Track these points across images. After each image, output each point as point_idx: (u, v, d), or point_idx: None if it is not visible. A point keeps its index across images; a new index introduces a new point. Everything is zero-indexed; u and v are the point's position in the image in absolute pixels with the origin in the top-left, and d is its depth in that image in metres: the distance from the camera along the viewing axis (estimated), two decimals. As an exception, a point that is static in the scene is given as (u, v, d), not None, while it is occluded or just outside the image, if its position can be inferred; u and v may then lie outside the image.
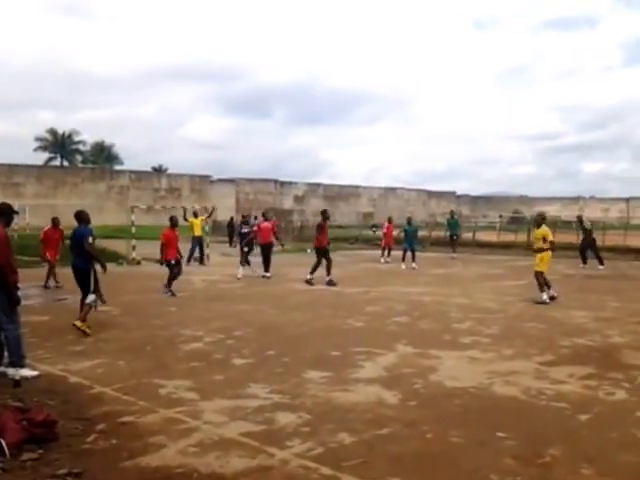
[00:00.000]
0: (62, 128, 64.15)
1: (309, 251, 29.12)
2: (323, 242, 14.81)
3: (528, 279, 14.43)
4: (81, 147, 66.28)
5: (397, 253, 20.89)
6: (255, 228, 17.26)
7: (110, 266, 19.33)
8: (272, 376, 6.33)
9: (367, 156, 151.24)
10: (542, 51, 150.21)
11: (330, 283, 14.22)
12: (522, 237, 29.09)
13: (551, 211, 71.61)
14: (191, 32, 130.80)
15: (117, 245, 21.77)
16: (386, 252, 22.18)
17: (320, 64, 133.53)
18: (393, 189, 71.86)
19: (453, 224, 24.36)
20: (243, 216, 20.52)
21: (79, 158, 66.00)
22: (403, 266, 19.11)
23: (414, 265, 19.11)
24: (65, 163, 63.33)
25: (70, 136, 64.42)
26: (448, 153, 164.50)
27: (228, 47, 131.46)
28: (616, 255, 23.69)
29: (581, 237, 20.88)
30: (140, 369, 6.63)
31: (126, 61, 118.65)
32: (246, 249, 16.51)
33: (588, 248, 19.65)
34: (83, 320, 8.40)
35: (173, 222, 13.40)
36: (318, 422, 4.93)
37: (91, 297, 8.54)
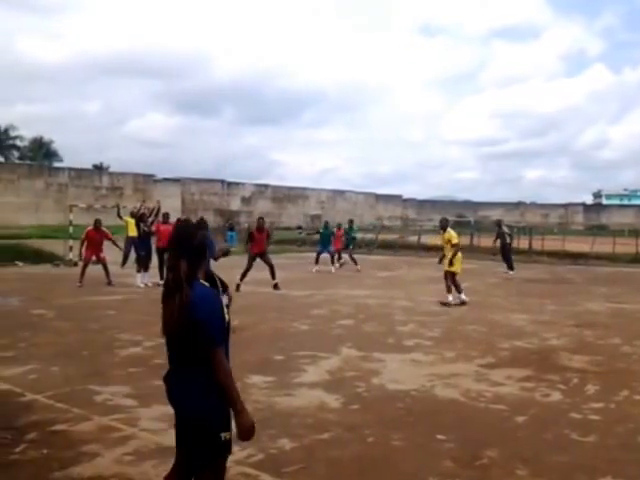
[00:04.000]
0: (-2, 122, 61.92)
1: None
2: (254, 249, 14.26)
3: (471, 282, 14.77)
4: (18, 143, 63.91)
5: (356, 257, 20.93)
6: (154, 229, 15.27)
7: (46, 267, 18.69)
8: (213, 381, 6.20)
9: (316, 158, 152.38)
10: (487, 59, 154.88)
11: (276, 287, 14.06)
12: (465, 240, 29.73)
13: (494, 216, 73.74)
14: (139, 27, 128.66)
15: (54, 245, 20.99)
16: (336, 256, 22.25)
17: (270, 64, 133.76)
18: (342, 192, 72.13)
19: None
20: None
21: (16, 154, 63.59)
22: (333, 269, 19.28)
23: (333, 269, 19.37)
24: (0, 159, 60.88)
25: (6, 131, 62.03)
26: (396, 157, 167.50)
27: (177, 43, 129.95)
28: (555, 260, 24.51)
29: (499, 243, 20.14)
30: (75, 375, 6.38)
31: (69, 54, 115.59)
32: (143, 253, 14.87)
33: (507, 253, 19.56)
34: None
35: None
36: (259, 428, 4.79)
37: None
